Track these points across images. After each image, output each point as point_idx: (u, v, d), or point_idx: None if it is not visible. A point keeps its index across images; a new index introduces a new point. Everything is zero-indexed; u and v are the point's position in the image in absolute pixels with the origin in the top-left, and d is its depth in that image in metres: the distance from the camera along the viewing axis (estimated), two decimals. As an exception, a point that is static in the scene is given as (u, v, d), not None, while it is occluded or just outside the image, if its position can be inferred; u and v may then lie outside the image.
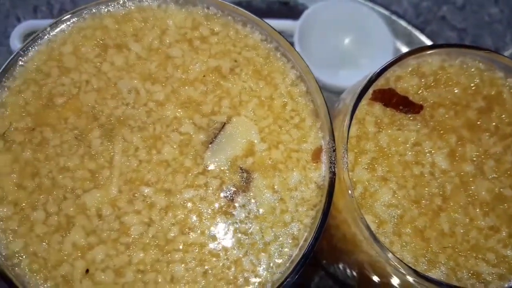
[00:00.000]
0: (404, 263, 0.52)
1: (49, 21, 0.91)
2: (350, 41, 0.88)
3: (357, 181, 0.57)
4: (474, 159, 0.58)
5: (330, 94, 0.84)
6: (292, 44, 0.64)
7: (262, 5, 0.83)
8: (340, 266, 0.69)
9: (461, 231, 0.56)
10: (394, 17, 0.92)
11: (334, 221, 0.59)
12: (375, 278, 0.61)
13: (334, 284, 0.79)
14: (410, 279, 0.53)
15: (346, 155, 0.55)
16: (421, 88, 0.60)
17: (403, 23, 0.93)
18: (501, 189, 0.57)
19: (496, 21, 0.97)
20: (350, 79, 0.81)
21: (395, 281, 0.57)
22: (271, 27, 0.59)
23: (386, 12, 0.93)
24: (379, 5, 0.93)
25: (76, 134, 0.56)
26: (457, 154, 0.58)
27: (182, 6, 0.61)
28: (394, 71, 0.60)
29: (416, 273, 0.51)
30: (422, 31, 0.94)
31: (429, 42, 0.92)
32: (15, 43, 0.88)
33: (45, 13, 0.95)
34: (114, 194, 0.54)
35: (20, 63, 0.58)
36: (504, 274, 0.55)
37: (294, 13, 0.87)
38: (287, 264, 0.53)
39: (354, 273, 0.67)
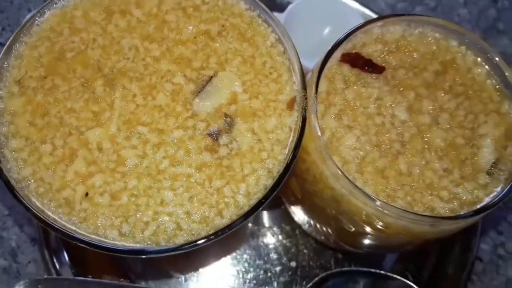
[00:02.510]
0: (365, 192, 0.59)
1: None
2: (330, 31, 0.98)
3: (325, 128, 0.64)
4: (431, 112, 0.66)
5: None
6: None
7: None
8: (313, 213, 0.76)
9: (418, 171, 0.63)
10: (372, 14, 1.02)
11: (305, 165, 0.66)
12: (340, 216, 0.67)
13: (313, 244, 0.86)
14: (371, 208, 0.60)
15: (315, 104, 0.63)
16: (384, 53, 0.69)
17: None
18: (454, 138, 0.65)
19: (465, 21, 1.07)
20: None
21: (357, 214, 0.64)
22: (254, -4, 0.69)
23: (366, 10, 1.03)
24: (358, 3, 1.03)
25: (82, 82, 0.64)
26: (415, 108, 0.66)
27: (178, -21, 0.71)
28: (361, 39, 0.69)
29: (375, 200, 0.59)
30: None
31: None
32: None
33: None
34: (113, 131, 0.62)
35: (36, 23, 0.67)
36: (455, 209, 0.62)
37: (278, 7, 0.98)
38: (263, 192, 0.60)
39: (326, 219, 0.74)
